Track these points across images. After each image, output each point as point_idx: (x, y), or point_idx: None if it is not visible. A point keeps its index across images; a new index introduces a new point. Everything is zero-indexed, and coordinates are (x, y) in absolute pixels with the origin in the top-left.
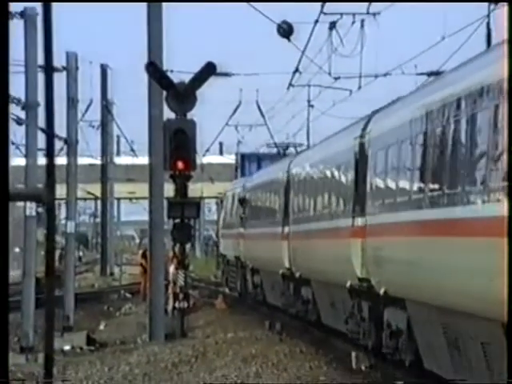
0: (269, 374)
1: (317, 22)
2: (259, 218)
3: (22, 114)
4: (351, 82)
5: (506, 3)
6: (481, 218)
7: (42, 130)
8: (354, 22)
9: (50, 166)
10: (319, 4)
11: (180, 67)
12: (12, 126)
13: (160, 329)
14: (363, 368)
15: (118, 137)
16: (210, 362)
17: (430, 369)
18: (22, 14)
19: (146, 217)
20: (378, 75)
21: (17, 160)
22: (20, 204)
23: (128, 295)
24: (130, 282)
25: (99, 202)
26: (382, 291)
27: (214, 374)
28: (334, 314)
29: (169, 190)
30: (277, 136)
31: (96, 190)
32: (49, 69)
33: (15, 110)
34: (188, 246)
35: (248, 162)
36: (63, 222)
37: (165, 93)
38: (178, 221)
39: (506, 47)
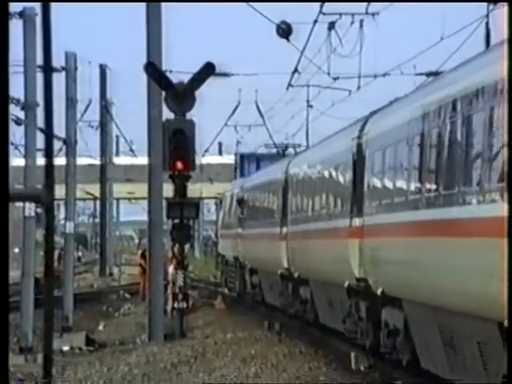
0: (268, 374)
1: (316, 22)
2: (257, 219)
3: (21, 115)
4: (350, 82)
5: (505, 3)
6: (476, 219)
7: (41, 130)
8: (352, 22)
9: (49, 167)
10: (318, 4)
11: (179, 67)
12: (11, 126)
13: (159, 329)
14: (362, 368)
15: (117, 137)
16: (209, 362)
17: (426, 368)
18: (21, 14)
19: (145, 217)
20: (377, 75)
21: (16, 160)
22: (19, 204)
23: (127, 295)
24: (129, 283)
25: (98, 202)
26: (379, 291)
27: (213, 375)
28: (332, 314)
29: (168, 190)
30: (276, 136)
31: (95, 190)
32: (48, 69)
33: (14, 111)
34: (187, 246)
35: (247, 162)
36: (62, 222)
37: (164, 93)
38: (177, 221)
39: (505, 47)
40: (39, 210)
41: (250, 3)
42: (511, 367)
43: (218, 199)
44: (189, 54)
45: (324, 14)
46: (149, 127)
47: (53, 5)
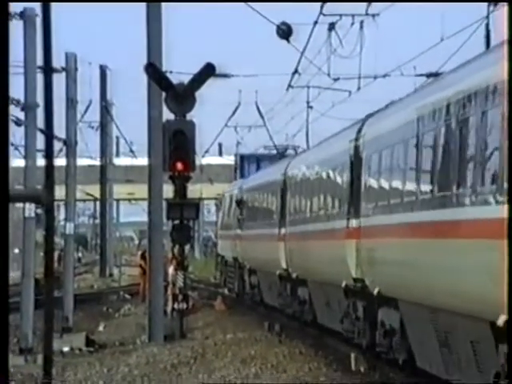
0: (268, 375)
1: (316, 23)
2: (256, 220)
3: (22, 115)
4: (350, 83)
5: (505, 4)
6: (469, 221)
7: (41, 130)
8: (353, 23)
9: (49, 167)
10: (318, 5)
11: (179, 68)
12: (11, 127)
13: (159, 330)
14: (362, 369)
15: (118, 138)
16: (209, 363)
17: (422, 367)
18: (22, 15)
19: (145, 218)
20: (377, 76)
21: (16, 161)
22: (19, 205)
23: (127, 296)
24: (129, 283)
25: (98, 203)
26: (375, 291)
27: (213, 376)
28: (330, 314)
29: (168, 191)
30: (276, 137)
31: (95, 191)
32: (48, 70)
33: (14, 111)
34: (187, 247)
35: (247, 163)
36: (62, 223)
37: (164, 94)
38: (177, 222)
39: (505, 48)
40: (39, 211)
41: (250, 4)
42: (511, 367)
43: (218, 200)
44: (189, 54)
45: (324, 14)
46: (149, 128)
47: (53, 5)
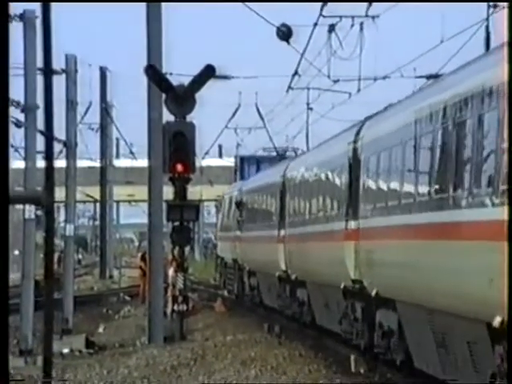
0: (268, 377)
1: (316, 24)
2: (256, 221)
3: (21, 117)
4: (350, 84)
5: (505, 4)
6: (467, 222)
7: (41, 132)
8: (353, 25)
9: (49, 169)
10: (318, 6)
11: (179, 70)
12: (11, 128)
13: (159, 332)
14: (362, 371)
15: (118, 139)
16: (209, 365)
17: (419, 368)
18: (22, 17)
19: (145, 219)
20: (377, 78)
21: (16, 163)
22: (19, 207)
23: (127, 298)
24: (129, 285)
25: (98, 204)
26: (373, 292)
27: (213, 377)
28: (329, 315)
29: (168, 192)
30: (276, 139)
31: (95, 192)
32: (48, 71)
33: (14, 113)
34: (187, 248)
35: (247, 164)
36: (62, 224)
37: (164, 95)
38: (177, 223)
39: (504, 50)
40: (39, 213)
41: (250, 5)
42: (511, 367)
43: (217, 202)
44: (189, 56)
45: (324, 16)
46: (149, 129)
47: (53, 6)
